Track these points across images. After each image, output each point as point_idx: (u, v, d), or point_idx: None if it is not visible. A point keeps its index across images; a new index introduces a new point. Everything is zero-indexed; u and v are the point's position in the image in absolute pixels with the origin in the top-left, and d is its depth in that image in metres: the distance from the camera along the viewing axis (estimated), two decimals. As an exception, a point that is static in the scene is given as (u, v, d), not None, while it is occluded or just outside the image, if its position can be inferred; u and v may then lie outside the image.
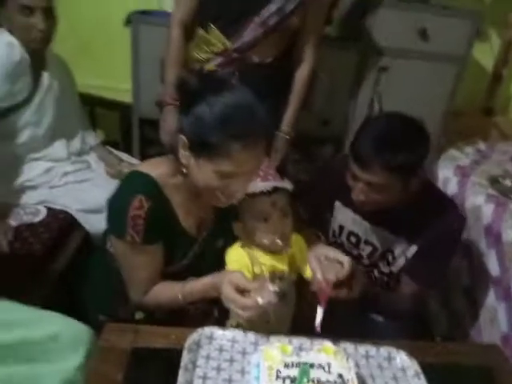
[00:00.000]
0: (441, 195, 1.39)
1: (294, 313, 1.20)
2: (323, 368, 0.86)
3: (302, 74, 1.63)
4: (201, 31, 1.54)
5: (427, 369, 0.97)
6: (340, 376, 0.85)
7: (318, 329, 1.00)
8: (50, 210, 1.63)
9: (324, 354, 0.90)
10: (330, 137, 2.22)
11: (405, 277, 1.34)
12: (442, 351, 1.07)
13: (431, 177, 1.93)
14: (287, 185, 1.12)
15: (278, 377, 0.84)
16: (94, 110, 2.25)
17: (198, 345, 0.97)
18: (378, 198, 1.20)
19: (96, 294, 1.28)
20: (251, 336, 1.00)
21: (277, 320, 1.07)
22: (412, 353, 1.00)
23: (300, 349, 0.96)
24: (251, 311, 0.95)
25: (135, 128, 2.22)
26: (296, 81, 1.63)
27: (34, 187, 1.65)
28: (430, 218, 1.28)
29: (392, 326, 1.36)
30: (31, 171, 1.65)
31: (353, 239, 1.42)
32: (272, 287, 0.95)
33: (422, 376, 0.95)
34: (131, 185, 1.08)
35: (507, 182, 1.80)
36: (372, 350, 1.01)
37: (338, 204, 1.41)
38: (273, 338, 0.99)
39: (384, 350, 1.01)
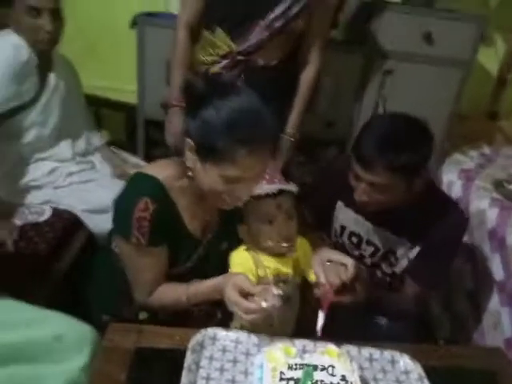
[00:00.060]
0: (443, 196, 1.39)
1: (297, 316, 1.19)
2: (327, 370, 0.86)
3: (307, 76, 1.63)
4: (206, 33, 1.54)
5: (430, 372, 0.97)
6: (343, 378, 0.85)
7: (319, 334, 1.00)
8: (54, 209, 1.64)
9: (327, 356, 0.90)
10: (334, 139, 2.22)
11: (407, 278, 1.34)
12: (445, 354, 1.06)
13: (435, 180, 1.92)
14: (292, 187, 1.12)
15: (281, 378, 0.84)
16: (100, 111, 2.26)
17: (201, 345, 0.97)
18: (381, 199, 1.20)
19: (100, 294, 1.28)
20: (254, 337, 1.00)
21: (280, 323, 1.07)
22: (415, 356, 1.00)
23: (303, 351, 0.96)
24: (255, 315, 0.95)
25: (140, 129, 2.23)
26: (301, 83, 1.63)
27: (38, 187, 1.66)
28: (433, 219, 1.27)
29: (395, 329, 1.36)
30: (36, 171, 1.66)
31: (354, 239, 1.41)
32: (276, 291, 0.95)
33: (425, 379, 0.95)
34: (137, 187, 1.08)
35: (512, 187, 1.80)
36: (375, 353, 1.01)
37: (339, 204, 1.41)
38: (276, 340, 0.99)
39: (387, 353, 1.01)
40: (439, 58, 2.06)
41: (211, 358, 0.95)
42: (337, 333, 1.01)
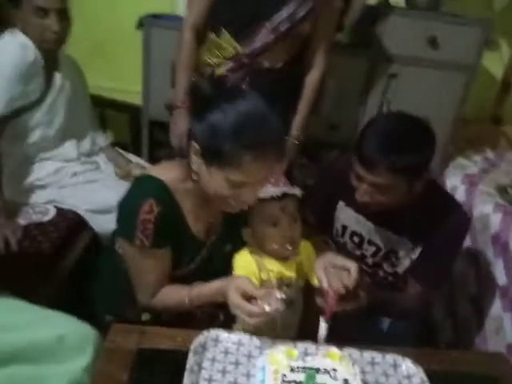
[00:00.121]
0: (446, 196, 1.38)
1: (300, 320, 1.19)
2: (329, 373, 0.86)
3: (312, 79, 1.63)
4: (212, 36, 1.55)
5: (433, 376, 0.96)
6: (345, 382, 0.85)
7: (321, 342, 1.00)
8: (58, 209, 1.64)
9: (330, 359, 0.90)
10: (337, 142, 2.22)
11: (409, 278, 1.34)
12: (447, 359, 1.06)
13: (438, 181, 1.92)
14: (297, 191, 1.12)
15: (283, 381, 0.84)
16: (105, 112, 2.27)
17: (203, 347, 0.97)
18: (383, 199, 1.19)
19: (104, 294, 1.29)
20: (257, 340, 1.00)
21: (283, 327, 1.08)
22: (417, 360, 1.00)
23: (306, 354, 0.96)
24: (258, 318, 0.95)
25: (145, 130, 2.23)
26: (306, 86, 1.63)
27: (43, 187, 1.67)
28: (435, 218, 1.27)
29: (397, 333, 1.35)
30: (41, 171, 1.67)
31: (356, 239, 1.41)
32: (279, 294, 0.95)
33: (427, 383, 0.95)
34: (142, 189, 1.08)
35: (516, 192, 1.80)
36: (378, 356, 1.01)
37: (340, 204, 1.41)
38: (278, 343, 0.99)
39: (390, 357, 1.01)
40: (444, 62, 2.06)
41: (213, 360, 0.95)
42: (339, 334, 1.00)
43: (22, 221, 1.55)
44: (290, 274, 1.13)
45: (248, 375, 0.93)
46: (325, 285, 1.05)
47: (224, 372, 0.93)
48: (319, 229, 1.41)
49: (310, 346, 0.99)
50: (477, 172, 2.02)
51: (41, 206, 1.63)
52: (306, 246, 1.18)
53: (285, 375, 0.85)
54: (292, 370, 0.86)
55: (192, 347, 0.95)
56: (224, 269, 1.12)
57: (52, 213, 1.62)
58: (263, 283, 1.08)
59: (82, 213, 1.65)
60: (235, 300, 0.97)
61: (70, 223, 1.63)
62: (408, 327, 1.36)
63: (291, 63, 1.58)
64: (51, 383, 0.99)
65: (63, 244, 1.59)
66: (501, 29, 2.41)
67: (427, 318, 1.87)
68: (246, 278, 1.02)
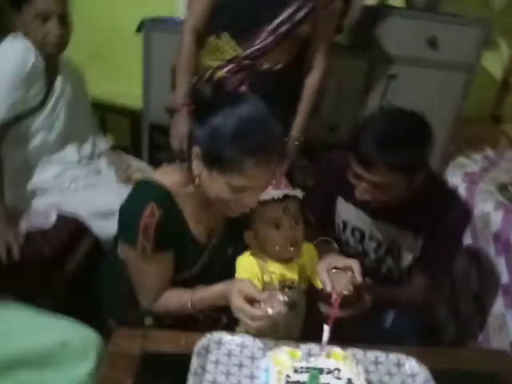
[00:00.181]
0: (444, 188, 1.38)
1: (303, 321, 1.19)
2: (332, 373, 0.86)
3: (312, 80, 1.63)
4: (212, 38, 1.55)
5: (437, 375, 0.96)
6: (349, 381, 0.85)
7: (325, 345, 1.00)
8: (60, 214, 1.64)
9: (333, 359, 0.91)
10: (337, 143, 2.22)
11: (413, 270, 1.34)
12: (451, 357, 1.07)
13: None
14: (298, 192, 1.12)
15: (287, 382, 0.84)
16: (105, 115, 2.27)
17: (206, 350, 0.97)
18: (382, 196, 1.20)
19: (106, 299, 1.29)
20: (260, 341, 1.01)
21: (286, 329, 1.08)
22: (421, 359, 1.00)
23: (309, 354, 0.96)
24: (261, 321, 0.95)
25: (145, 133, 2.23)
26: (306, 87, 1.64)
27: (44, 191, 1.66)
28: (435, 210, 1.27)
29: (400, 329, 1.35)
30: (42, 175, 1.66)
31: (357, 235, 1.41)
32: (282, 297, 0.95)
33: (431, 382, 0.95)
34: (143, 193, 1.08)
35: (516, 190, 1.80)
36: (381, 356, 1.01)
37: (340, 199, 1.41)
38: (282, 343, 0.99)
39: (393, 356, 1.01)
40: (443, 63, 2.06)
41: (217, 362, 0.95)
42: (342, 333, 1.00)
43: (23, 226, 1.55)
44: (293, 276, 1.13)
45: (252, 377, 0.93)
46: (328, 288, 1.04)
47: (228, 374, 0.93)
48: (320, 228, 1.41)
49: (313, 347, 0.99)
50: (477, 170, 2.02)
51: (42, 211, 1.63)
52: (308, 248, 1.18)
53: (288, 376, 0.85)
54: (295, 370, 0.86)
55: (195, 350, 0.95)
56: (226, 272, 1.11)
57: (53, 217, 1.61)
58: (266, 286, 1.08)
59: (83, 217, 1.65)
60: (238, 303, 0.97)
61: (72, 228, 1.62)
62: (411, 324, 1.36)
63: (291, 65, 1.58)
64: (54, 389, 1.00)
65: (65, 249, 1.58)
66: (500, 28, 2.42)
67: (430, 317, 1.87)
68: (249, 280, 1.02)
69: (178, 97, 1.61)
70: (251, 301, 0.96)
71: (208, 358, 0.95)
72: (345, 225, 1.42)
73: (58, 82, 1.66)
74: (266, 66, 1.56)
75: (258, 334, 1.02)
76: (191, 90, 1.05)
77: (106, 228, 1.56)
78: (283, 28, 1.49)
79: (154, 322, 1.20)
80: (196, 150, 1.02)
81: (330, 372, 0.86)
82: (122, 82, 2.42)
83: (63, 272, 1.58)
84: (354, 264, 1.07)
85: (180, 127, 1.59)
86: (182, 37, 1.60)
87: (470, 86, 2.11)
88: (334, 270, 1.07)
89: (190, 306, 1.10)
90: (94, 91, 1.93)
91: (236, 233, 1.17)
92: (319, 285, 1.11)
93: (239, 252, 1.16)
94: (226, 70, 1.55)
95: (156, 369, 0.94)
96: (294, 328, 1.15)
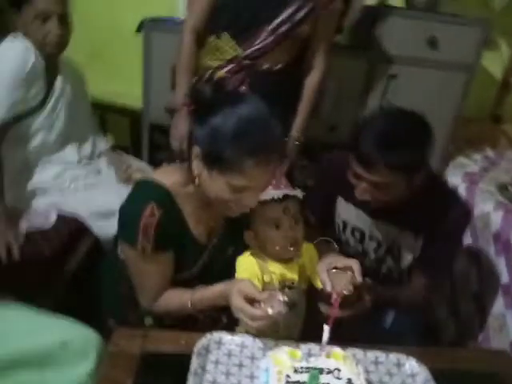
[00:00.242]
0: (444, 186, 1.38)
1: (303, 321, 1.19)
2: (332, 373, 0.86)
3: (312, 80, 1.63)
4: (212, 38, 1.55)
5: (437, 375, 0.96)
6: (349, 381, 0.85)
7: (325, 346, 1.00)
8: (60, 214, 1.64)
9: (333, 359, 0.91)
10: (337, 143, 2.22)
11: (413, 270, 1.33)
12: (451, 357, 1.07)
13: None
14: (298, 192, 1.12)
15: (287, 382, 0.84)
16: (105, 115, 2.27)
17: (206, 350, 0.97)
18: (382, 196, 1.19)
19: (106, 299, 1.29)
20: (260, 341, 1.01)
21: (286, 329, 1.08)
22: (421, 359, 1.00)
23: (309, 354, 0.96)
24: (261, 321, 0.95)
25: (145, 133, 2.23)
26: (306, 87, 1.64)
27: (44, 191, 1.66)
28: (435, 209, 1.27)
29: (401, 329, 1.35)
30: (42, 175, 1.66)
31: (357, 235, 1.41)
32: (282, 297, 0.95)
33: (431, 382, 0.95)
34: (143, 193, 1.08)
35: (516, 190, 1.80)
36: (381, 356, 1.01)
37: (340, 199, 1.41)
38: (282, 343, 0.99)
39: (393, 356, 1.01)
40: (443, 62, 2.06)
41: (217, 362, 0.95)
42: (342, 333, 1.00)
43: (23, 226, 1.55)
44: (293, 276, 1.13)
45: (252, 377, 0.93)
46: (328, 288, 1.04)
47: (228, 374, 0.93)
48: (320, 228, 1.41)
49: (313, 347, 0.99)
50: (477, 170, 2.02)
51: (42, 211, 1.63)
52: (308, 248, 1.18)
53: (288, 376, 0.85)
54: (295, 370, 0.86)
55: (195, 350, 0.95)
56: (226, 272, 1.11)
57: (53, 217, 1.61)
58: (266, 286, 1.08)
59: (83, 217, 1.65)
60: (238, 303, 0.97)
61: (72, 228, 1.62)
62: (411, 324, 1.36)
63: (291, 64, 1.58)
64: (55, 389, 1.00)
65: (65, 249, 1.58)
66: (500, 28, 2.42)
67: (430, 317, 1.87)
68: (249, 280, 1.02)
69: (178, 97, 1.61)
70: (251, 301, 0.96)
71: (208, 358, 0.95)
72: (345, 225, 1.42)
73: (58, 81, 1.66)
74: (266, 66, 1.56)
75: (257, 333, 1.02)
76: (191, 90, 1.05)
77: (106, 228, 1.56)
78: (283, 28, 1.49)
79: (153, 322, 1.20)
80: (196, 149, 1.02)
81: (330, 372, 0.86)
82: (121, 82, 2.42)
83: (63, 272, 1.58)
84: (354, 264, 1.07)
85: (180, 127, 1.59)
86: (182, 37, 1.60)
87: (470, 86, 2.11)
88: (333, 270, 1.07)
89: (189, 305, 1.10)
90: (93, 91, 1.93)
91: (236, 233, 1.17)
92: (319, 285, 1.11)
93: (239, 252, 1.16)
94: (225, 70, 1.55)
95: (156, 369, 0.94)
96: (294, 328, 1.15)
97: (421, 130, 1.17)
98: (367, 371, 0.96)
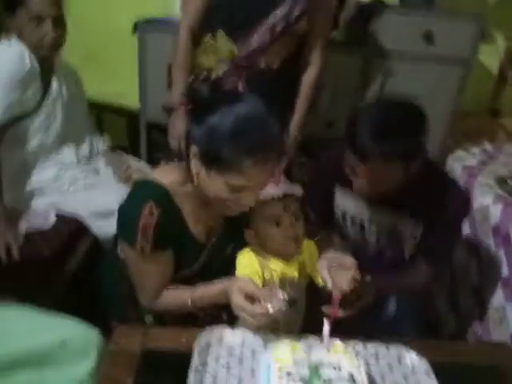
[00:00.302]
0: (441, 173, 1.37)
1: (303, 318, 1.19)
2: (333, 367, 0.86)
3: (309, 77, 1.63)
4: (208, 38, 1.55)
5: (437, 368, 0.97)
6: (350, 375, 0.85)
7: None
8: (59, 214, 1.64)
9: (334, 353, 0.90)
10: (334, 139, 2.22)
11: (414, 257, 1.33)
12: (451, 350, 1.06)
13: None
14: (297, 190, 1.12)
15: (288, 376, 0.84)
16: (102, 116, 2.27)
17: (207, 346, 0.97)
18: (380, 187, 1.19)
19: (106, 298, 1.29)
20: (260, 336, 1.00)
21: (286, 326, 1.08)
22: (422, 352, 1.00)
23: (310, 348, 0.95)
24: (261, 319, 0.95)
25: (143, 133, 2.24)
26: (303, 84, 1.64)
27: (43, 192, 1.66)
28: (433, 194, 1.26)
29: (403, 317, 1.35)
30: (40, 176, 1.67)
31: (357, 224, 1.40)
32: (282, 295, 0.95)
33: (432, 375, 0.95)
34: (142, 192, 1.08)
35: (515, 183, 1.80)
36: (382, 349, 1.01)
37: (338, 190, 1.40)
38: (282, 338, 0.99)
39: (394, 350, 1.01)
40: (439, 57, 2.06)
41: (217, 358, 0.95)
42: (343, 322, 1.01)
43: (22, 227, 1.55)
44: (293, 273, 1.13)
45: (252, 372, 0.93)
46: (330, 285, 1.05)
47: (228, 369, 0.93)
48: (321, 224, 1.41)
49: (313, 341, 0.99)
50: (476, 164, 2.02)
51: (41, 212, 1.63)
52: (308, 246, 1.18)
53: (289, 370, 0.85)
54: (296, 364, 0.86)
55: (196, 346, 0.95)
56: (225, 271, 1.12)
57: (52, 218, 1.62)
58: (266, 283, 1.08)
59: (82, 217, 1.65)
60: (238, 301, 0.97)
61: (71, 228, 1.63)
62: (412, 312, 1.36)
63: (288, 62, 1.58)
64: (56, 388, 1.00)
65: (65, 249, 1.59)
66: (496, 22, 2.42)
67: (430, 311, 1.88)
68: (249, 278, 1.02)
69: (175, 96, 1.61)
70: (251, 298, 0.96)
71: (209, 354, 0.95)
72: (344, 215, 1.42)
73: (54, 83, 1.66)
74: (262, 65, 1.55)
75: (258, 331, 1.02)
76: (188, 90, 1.05)
77: (106, 228, 1.56)
78: (279, 26, 1.49)
79: (154, 320, 1.20)
80: (194, 149, 1.01)
81: (330, 366, 0.86)
82: (117, 83, 2.41)
83: (63, 272, 1.59)
84: (351, 260, 1.08)
85: (178, 126, 1.59)
86: (177, 36, 1.60)
87: (467, 80, 2.11)
88: (334, 268, 1.07)
89: (190, 304, 1.10)
90: (90, 91, 1.93)
91: (235, 232, 1.17)
92: (320, 282, 1.11)
93: (238, 251, 1.16)
94: (222, 69, 1.55)
95: (157, 366, 0.94)
96: (294, 325, 1.15)
97: (415, 118, 1.16)
98: (368, 364, 0.96)
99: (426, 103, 1.19)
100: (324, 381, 0.83)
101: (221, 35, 1.52)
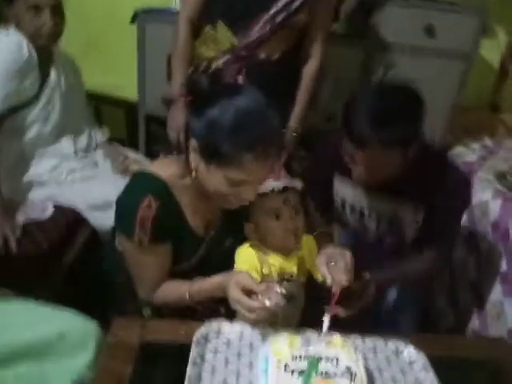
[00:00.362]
0: (441, 156, 1.34)
1: (301, 313, 1.19)
2: (331, 361, 0.86)
3: (309, 69, 1.62)
4: (208, 28, 1.54)
5: (435, 362, 0.97)
6: (348, 369, 0.85)
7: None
8: (57, 206, 1.64)
9: (332, 347, 0.90)
10: (334, 131, 2.22)
11: (416, 244, 1.32)
12: (449, 344, 1.07)
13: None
14: (297, 183, 1.12)
15: (286, 370, 0.84)
16: (101, 107, 2.26)
17: (205, 339, 0.97)
18: (379, 174, 1.18)
19: (104, 290, 1.29)
20: (259, 330, 1.00)
21: (284, 321, 1.07)
22: (420, 346, 1.00)
23: (308, 342, 0.96)
24: (258, 313, 0.95)
25: (141, 125, 2.22)
26: (304, 77, 1.62)
27: (41, 183, 1.66)
28: (432, 180, 1.25)
29: (402, 306, 1.34)
30: (38, 167, 1.66)
31: (356, 211, 1.39)
32: (280, 289, 0.94)
33: (429, 369, 0.95)
34: (140, 185, 1.08)
35: (515, 178, 1.80)
36: (380, 343, 1.02)
37: (337, 178, 1.39)
38: (280, 332, 0.99)
39: (392, 344, 1.02)
40: (441, 51, 2.06)
41: (216, 351, 0.95)
42: (341, 322, 1.01)
43: (20, 218, 1.55)
44: (292, 268, 1.13)
45: (251, 365, 0.93)
46: (329, 281, 1.04)
47: (227, 363, 0.93)
48: (321, 212, 1.40)
49: (312, 335, 0.99)
50: (475, 159, 2.01)
51: (39, 203, 1.63)
52: (308, 241, 1.18)
53: (287, 364, 0.85)
54: (295, 358, 0.86)
55: (194, 339, 0.95)
56: (224, 264, 1.11)
57: (50, 210, 1.61)
58: (264, 278, 1.08)
59: (80, 209, 1.64)
60: (235, 295, 0.96)
61: (69, 220, 1.62)
62: (412, 303, 1.36)
63: (289, 54, 1.57)
64: (54, 380, 1.00)
65: (62, 241, 1.58)
66: (498, 16, 2.41)
67: (429, 305, 1.88)
68: (247, 273, 1.01)
69: (175, 87, 1.59)
70: (249, 293, 0.96)
71: (207, 347, 0.95)
72: (343, 203, 1.40)
73: (53, 73, 1.65)
74: (262, 56, 1.54)
75: (255, 325, 1.02)
76: (188, 81, 1.04)
77: (103, 219, 1.56)
78: (279, 17, 1.48)
79: (152, 313, 1.20)
80: (193, 143, 1.01)
81: (328, 359, 0.86)
82: (117, 73, 2.40)
83: (61, 264, 1.58)
84: (346, 254, 1.07)
85: (177, 118, 1.58)
86: (177, 27, 1.59)
87: (468, 74, 2.11)
88: (333, 263, 1.07)
89: (187, 297, 1.09)
90: (89, 82, 1.92)
91: (234, 225, 1.17)
92: (319, 277, 1.11)
93: (237, 244, 1.16)
94: (222, 60, 1.54)
95: (155, 358, 0.94)
96: (292, 320, 1.15)
97: (412, 103, 1.14)
98: (366, 358, 0.96)
99: (426, 97, 1.17)
100: (322, 374, 0.83)
101: (221, 26, 1.51)
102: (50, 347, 1.01)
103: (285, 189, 1.09)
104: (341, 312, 1.05)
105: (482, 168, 1.91)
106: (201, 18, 1.57)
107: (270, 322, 1.02)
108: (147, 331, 1.00)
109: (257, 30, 1.49)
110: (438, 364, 0.96)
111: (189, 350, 0.92)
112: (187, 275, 1.14)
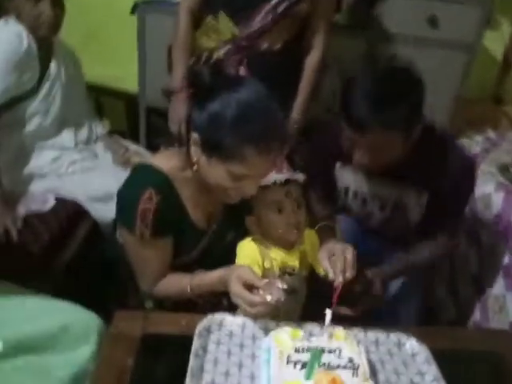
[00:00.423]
0: (443, 139, 1.31)
1: (302, 307, 1.19)
2: (334, 353, 0.86)
3: (312, 60, 1.61)
4: (209, 19, 1.53)
5: (437, 354, 0.96)
6: (351, 360, 0.85)
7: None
8: (58, 198, 1.63)
9: (335, 339, 0.90)
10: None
11: (421, 228, 1.32)
12: (452, 337, 1.07)
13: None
14: (299, 176, 1.11)
15: (288, 361, 0.84)
16: (101, 99, 2.25)
17: (208, 330, 0.97)
18: (381, 158, 1.16)
19: (106, 282, 1.29)
20: (261, 322, 1.00)
21: (285, 315, 1.08)
22: (422, 339, 1.00)
23: (310, 334, 0.96)
24: (259, 308, 0.94)
25: (142, 117, 2.21)
26: (306, 67, 1.61)
27: (41, 176, 1.66)
28: (435, 161, 1.24)
29: (404, 295, 1.34)
30: (39, 160, 1.66)
31: (359, 198, 1.37)
32: (281, 284, 0.94)
33: (432, 361, 0.95)
34: (141, 178, 1.07)
35: (517, 171, 1.79)
36: (382, 335, 1.01)
37: (338, 166, 1.37)
38: (283, 324, 0.99)
39: (394, 336, 1.01)
40: (444, 42, 2.04)
41: (218, 343, 0.95)
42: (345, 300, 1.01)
43: (21, 210, 1.55)
44: (294, 263, 1.13)
45: (253, 357, 0.93)
46: (331, 275, 1.04)
47: (229, 354, 0.92)
48: (323, 205, 1.39)
49: (314, 327, 0.99)
50: (478, 152, 2.00)
51: (40, 195, 1.62)
52: (310, 235, 1.18)
53: (290, 355, 0.85)
54: (297, 350, 0.86)
55: (197, 331, 0.94)
56: (225, 258, 1.11)
57: (51, 202, 1.61)
58: (266, 272, 1.08)
59: (81, 201, 1.64)
60: (236, 290, 0.96)
61: (70, 212, 1.62)
62: (415, 291, 1.36)
63: (291, 43, 1.55)
64: (57, 373, 1.00)
65: (64, 233, 1.59)
66: (501, 7, 2.38)
67: (430, 299, 1.88)
68: (248, 267, 1.01)
69: (176, 79, 1.59)
70: (250, 287, 0.96)
71: (209, 339, 0.95)
72: (346, 190, 1.39)
73: (53, 65, 1.64)
74: (264, 47, 1.53)
75: (256, 319, 1.01)
76: (189, 73, 1.03)
77: (104, 211, 1.56)
78: (281, 7, 1.47)
79: (154, 305, 1.20)
80: (194, 136, 1.00)
81: (331, 351, 0.86)
82: (118, 64, 2.38)
83: (62, 256, 1.58)
84: (348, 249, 1.07)
85: (178, 110, 1.57)
86: (177, 18, 1.58)
87: (471, 66, 2.09)
88: (334, 257, 1.07)
89: (189, 290, 1.09)
90: (89, 73, 1.91)
91: (236, 219, 1.17)
92: (321, 271, 1.11)
93: (239, 238, 1.15)
94: (223, 50, 1.53)
95: (157, 350, 0.94)
96: (293, 314, 1.15)
97: (411, 85, 1.11)
98: (368, 351, 0.96)
99: (429, 89, 1.16)
100: (324, 365, 0.83)
101: (222, 16, 1.50)
102: (52, 340, 1.01)
103: (287, 181, 1.09)
104: (344, 311, 1.06)
105: (484, 160, 1.90)
106: (201, 9, 1.56)
107: (272, 316, 1.02)
108: (149, 323, 1.00)
109: (258, 20, 1.48)
110: (441, 356, 0.96)
111: (191, 342, 0.91)
112: (188, 268, 1.13)
